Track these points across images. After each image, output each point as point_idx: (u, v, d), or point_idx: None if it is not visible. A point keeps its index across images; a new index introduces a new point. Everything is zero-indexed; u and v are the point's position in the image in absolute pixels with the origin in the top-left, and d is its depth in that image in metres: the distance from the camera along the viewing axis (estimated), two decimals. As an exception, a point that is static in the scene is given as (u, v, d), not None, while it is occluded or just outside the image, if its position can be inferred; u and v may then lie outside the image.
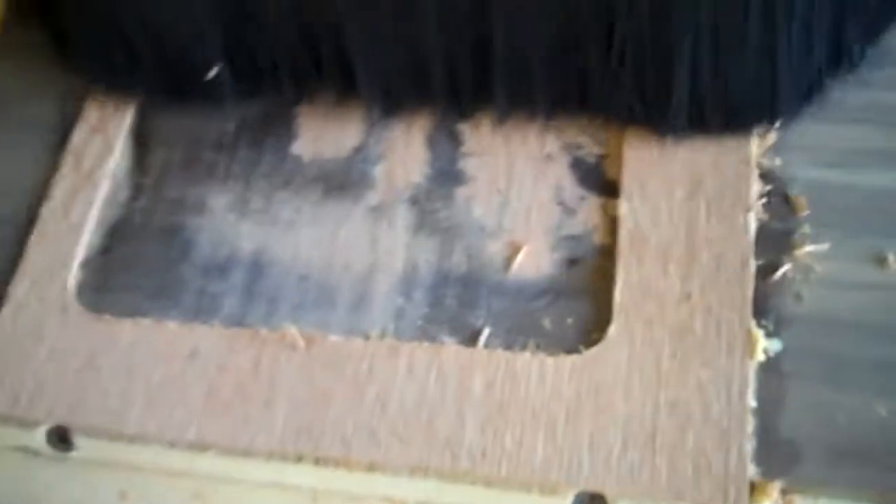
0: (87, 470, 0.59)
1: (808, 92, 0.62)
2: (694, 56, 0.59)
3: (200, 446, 0.57)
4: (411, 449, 0.56)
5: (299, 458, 0.56)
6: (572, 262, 0.61)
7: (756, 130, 0.62)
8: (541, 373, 0.57)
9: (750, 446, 0.54)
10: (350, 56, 0.64)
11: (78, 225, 0.65)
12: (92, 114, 0.69)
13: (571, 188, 0.63)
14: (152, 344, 0.60)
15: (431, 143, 0.66)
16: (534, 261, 0.61)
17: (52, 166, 0.68)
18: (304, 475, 0.56)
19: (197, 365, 0.59)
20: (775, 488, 0.53)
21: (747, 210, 0.60)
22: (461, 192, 0.64)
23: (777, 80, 0.60)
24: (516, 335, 0.59)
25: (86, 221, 0.65)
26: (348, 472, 0.56)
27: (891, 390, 0.55)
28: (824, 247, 0.59)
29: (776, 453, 0.54)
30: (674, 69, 0.60)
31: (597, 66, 0.61)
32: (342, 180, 0.65)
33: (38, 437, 0.59)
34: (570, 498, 0.54)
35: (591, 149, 0.64)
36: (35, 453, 0.59)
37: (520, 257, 0.61)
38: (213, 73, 0.66)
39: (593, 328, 0.58)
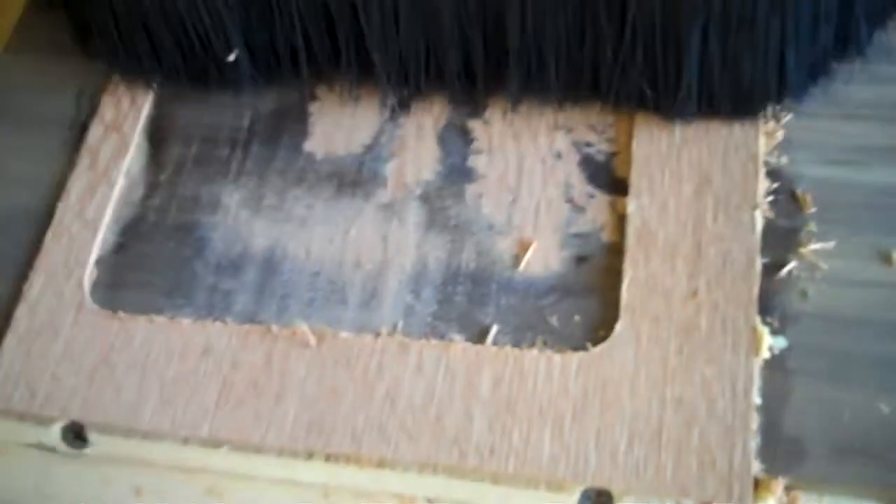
0: (102, 466, 0.59)
1: (815, 75, 0.63)
2: (703, 41, 0.60)
3: (214, 442, 0.58)
4: (420, 445, 0.56)
5: (310, 455, 0.57)
6: (580, 260, 0.61)
7: (764, 113, 0.63)
8: (548, 370, 0.57)
9: (754, 443, 0.54)
10: (367, 41, 0.65)
11: (93, 223, 0.66)
12: (107, 112, 0.70)
13: (580, 186, 0.63)
14: (166, 341, 0.61)
15: (442, 140, 0.67)
16: (542, 258, 0.62)
17: (69, 164, 0.69)
18: (316, 471, 0.57)
19: (210, 362, 0.60)
20: (779, 485, 0.53)
21: (754, 208, 0.60)
22: (471, 190, 0.65)
23: (785, 63, 0.61)
24: (524, 332, 0.59)
25: (101, 219, 0.66)
26: (359, 469, 0.57)
27: (893, 387, 0.55)
28: (830, 244, 0.59)
29: (780, 450, 0.54)
30: (684, 54, 0.60)
31: (608, 52, 0.62)
32: (354, 177, 0.66)
33: (54, 434, 0.60)
34: (577, 494, 0.55)
35: (600, 147, 0.65)
36: (51, 450, 0.60)
37: (529, 255, 0.62)
38: (231, 57, 0.67)
39: (600, 325, 0.59)
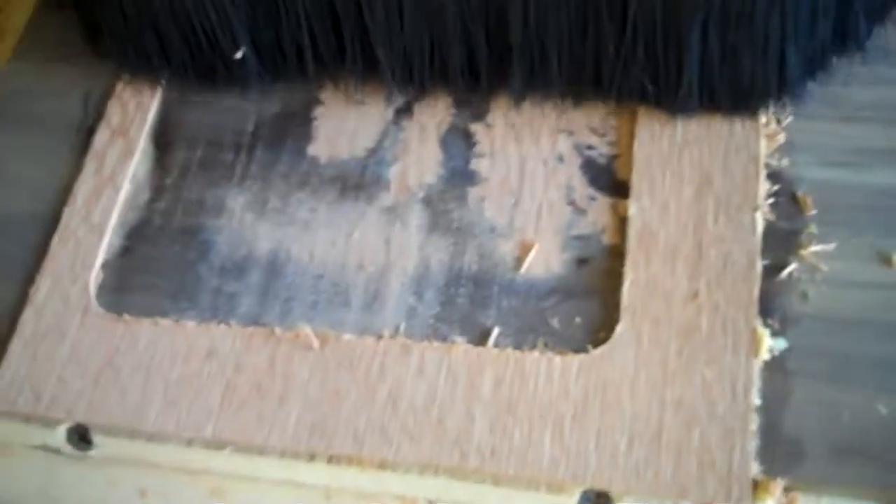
0: (107, 468, 0.60)
1: (814, 71, 0.63)
2: (704, 36, 0.60)
3: (217, 444, 0.59)
4: (421, 447, 0.57)
5: (313, 457, 0.58)
6: (582, 262, 0.61)
7: (764, 109, 0.63)
8: (549, 372, 0.58)
9: (754, 444, 0.55)
10: (371, 38, 0.65)
11: (99, 227, 0.66)
12: (114, 116, 0.71)
13: (582, 189, 0.64)
14: (170, 344, 0.62)
15: (445, 143, 0.67)
16: (544, 260, 0.62)
17: (76, 168, 0.69)
18: (318, 473, 0.58)
19: (214, 364, 0.61)
20: (778, 486, 0.54)
21: (755, 210, 0.60)
22: (474, 193, 0.65)
23: (784, 59, 0.61)
24: (526, 334, 0.60)
25: (107, 224, 0.66)
26: (360, 471, 0.57)
27: (892, 388, 0.55)
28: (830, 246, 0.59)
29: (779, 451, 0.55)
30: (684, 50, 0.61)
31: (610, 47, 0.62)
32: (357, 181, 0.66)
33: (59, 436, 0.61)
34: (577, 495, 0.55)
35: (601, 149, 0.65)
36: (56, 451, 0.61)
37: (530, 257, 0.62)
38: (238, 55, 0.68)
39: (601, 327, 0.59)
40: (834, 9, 0.61)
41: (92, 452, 0.60)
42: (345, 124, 0.69)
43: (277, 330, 0.61)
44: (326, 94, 0.70)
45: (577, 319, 0.60)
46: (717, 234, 0.60)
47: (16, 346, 0.63)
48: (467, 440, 0.57)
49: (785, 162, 0.62)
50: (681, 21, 0.59)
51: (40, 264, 0.66)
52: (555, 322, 0.60)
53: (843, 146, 0.62)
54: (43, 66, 0.75)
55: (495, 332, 0.60)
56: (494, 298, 0.61)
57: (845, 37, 0.62)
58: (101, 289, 0.65)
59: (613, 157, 0.65)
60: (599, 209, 0.63)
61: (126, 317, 0.63)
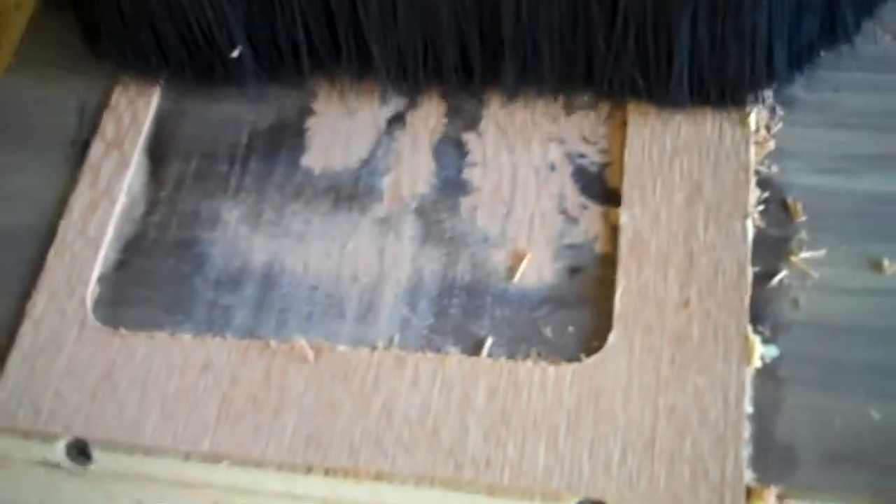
0: (106, 482, 0.60)
1: (801, 61, 0.64)
2: (693, 29, 0.61)
3: (214, 458, 0.59)
4: (416, 458, 0.57)
5: (309, 469, 0.58)
6: (574, 271, 0.62)
7: (753, 99, 0.64)
8: (542, 381, 0.58)
9: (746, 452, 0.55)
10: (366, 34, 0.66)
11: (95, 241, 0.67)
12: (108, 128, 0.71)
13: (574, 197, 0.64)
14: (166, 357, 0.62)
15: (437, 153, 0.67)
16: (536, 270, 0.62)
17: (71, 181, 0.69)
18: (315, 485, 0.58)
19: (210, 377, 0.61)
20: (771, 493, 0.54)
21: (745, 217, 0.61)
22: (466, 202, 0.65)
23: (772, 49, 0.62)
24: (519, 344, 0.60)
25: (103, 237, 0.67)
26: (357, 483, 0.57)
27: (884, 394, 0.56)
28: (820, 253, 0.60)
29: (772, 458, 0.55)
30: (674, 42, 0.61)
31: (601, 41, 0.63)
32: (351, 192, 0.67)
33: (58, 451, 0.61)
34: (572, 505, 0.55)
35: (593, 158, 0.65)
36: (55, 466, 0.61)
37: (523, 266, 0.62)
38: (235, 53, 0.68)
39: (594, 336, 0.60)
40: (821, 1, 0.61)
41: (91, 467, 0.61)
42: (338, 135, 0.69)
43: (272, 342, 0.62)
44: (320, 105, 0.71)
45: (570, 328, 0.60)
46: (707, 241, 0.60)
47: (14, 361, 0.63)
48: (462, 451, 0.57)
49: (775, 169, 0.62)
50: (670, 14, 0.60)
51: (37, 278, 0.66)
52: (548, 331, 0.60)
53: (833, 152, 0.63)
54: (38, 80, 0.75)
55: (489, 342, 0.60)
56: (487, 308, 0.61)
57: (833, 29, 0.63)
58: (98, 302, 0.65)
59: (605, 166, 0.65)
60: (591, 218, 0.63)
61: (122, 330, 0.63)
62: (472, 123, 0.68)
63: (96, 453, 0.60)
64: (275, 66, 0.70)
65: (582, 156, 0.65)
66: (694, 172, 0.63)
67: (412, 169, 0.67)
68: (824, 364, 0.57)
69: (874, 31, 0.66)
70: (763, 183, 0.62)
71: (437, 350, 0.60)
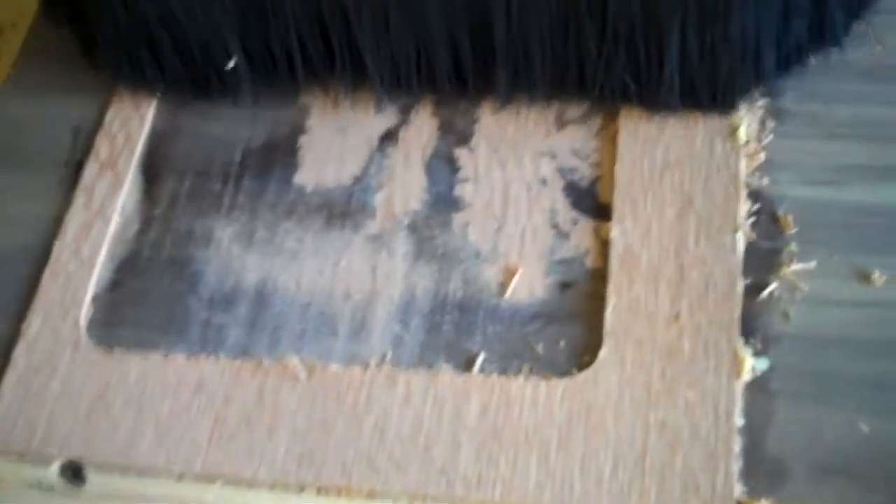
0: (102, 503, 0.60)
1: (790, 64, 0.65)
2: (683, 34, 0.61)
3: (207, 477, 0.59)
4: (409, 476, 0.57)
5: (302, 488, 0.58)
6: (565, 286, 0.62)
7: (744, 102, 0.65)
8: (534, 397, 0.58)
9: (737, 466, 0.55)
10: (359, 44, 0.66)
11: (89, 261, 0.67)
12: (102, 148, 0.71)
13: (565, 212, 0.64)
14: (160, 377, 0.62)
15: (429, 169, 0.67)
16: (528, 285, 0.62)
17: (65, 201, 0.70)
18: (308, 504, 0.58)
19: (203, 397, 0.61)
20: (762, 507, 0.54)
21: (735, 230, 0.61)
22: (458, 218, 0.65)
23: (761, 52, 0.62)
24: (510, 359, 0.60)
25: (97, 257, 0.67)
26: (349, 501, 0.57)
27: (873, 407, 0.56)
28: (811, 265, 0.60)
29: (763, 472, 0.55)
30: (664, 48, 0.62)
31: (591, 47, 0.63)
32: (343, 209, 0.67)
33: (52, 473, 0.61)
34: (563, 521, 0.55)
35: (584, 172, 0.65)
36: (49, 488, 0.61)
37: (514, 282, 0.62)
38: (230, 64, 0.68)
39: (585, 351, 0.60)
40: (809, 4, 0.62)
41: (85, 488, 0.61)
42: (330, 152, 0.69)
43: (265, 362, 0.62)
44: (312, 122, 0.71)
45: (562, 343, 0.60)
46: (698, 255, 0.60)
47: (9, 382, 0.63)
48: (453, 468, 0.57)
49: (765, 181, 0.63)
50: (659, 19, 0.61)
51: (32, 299, 0.66)
52: (539, 347, 0.60)
53: (823, 164, 0.63)
54: (32, 101, 0.75)
55: (480, 358, 0.60)
56: (479, 324, 0.62)
57: (822, 31, 0.64)
58: (92, 323, 0.65)
59: (596, 180, 0.65)
60: (582, 232, 0.63)
61: (116, 351, 0.63)
62: (464, 139, 0.68)
63: (91, 475, 0.60)
64: (270, 76, 0.70)
65: (573, 170, 0.66)
66: (685, 186, 0.63)
67: (404, 185, 0.67)
68: (815, 377, 0.57)
69: (864, 41, 0.66)
70: (753, 195, 0.62)
71: (430, 366, 0.60)
